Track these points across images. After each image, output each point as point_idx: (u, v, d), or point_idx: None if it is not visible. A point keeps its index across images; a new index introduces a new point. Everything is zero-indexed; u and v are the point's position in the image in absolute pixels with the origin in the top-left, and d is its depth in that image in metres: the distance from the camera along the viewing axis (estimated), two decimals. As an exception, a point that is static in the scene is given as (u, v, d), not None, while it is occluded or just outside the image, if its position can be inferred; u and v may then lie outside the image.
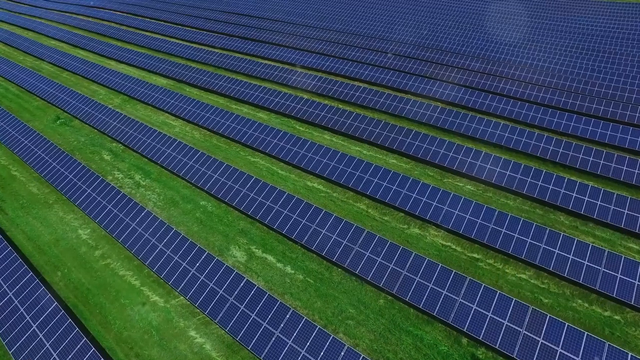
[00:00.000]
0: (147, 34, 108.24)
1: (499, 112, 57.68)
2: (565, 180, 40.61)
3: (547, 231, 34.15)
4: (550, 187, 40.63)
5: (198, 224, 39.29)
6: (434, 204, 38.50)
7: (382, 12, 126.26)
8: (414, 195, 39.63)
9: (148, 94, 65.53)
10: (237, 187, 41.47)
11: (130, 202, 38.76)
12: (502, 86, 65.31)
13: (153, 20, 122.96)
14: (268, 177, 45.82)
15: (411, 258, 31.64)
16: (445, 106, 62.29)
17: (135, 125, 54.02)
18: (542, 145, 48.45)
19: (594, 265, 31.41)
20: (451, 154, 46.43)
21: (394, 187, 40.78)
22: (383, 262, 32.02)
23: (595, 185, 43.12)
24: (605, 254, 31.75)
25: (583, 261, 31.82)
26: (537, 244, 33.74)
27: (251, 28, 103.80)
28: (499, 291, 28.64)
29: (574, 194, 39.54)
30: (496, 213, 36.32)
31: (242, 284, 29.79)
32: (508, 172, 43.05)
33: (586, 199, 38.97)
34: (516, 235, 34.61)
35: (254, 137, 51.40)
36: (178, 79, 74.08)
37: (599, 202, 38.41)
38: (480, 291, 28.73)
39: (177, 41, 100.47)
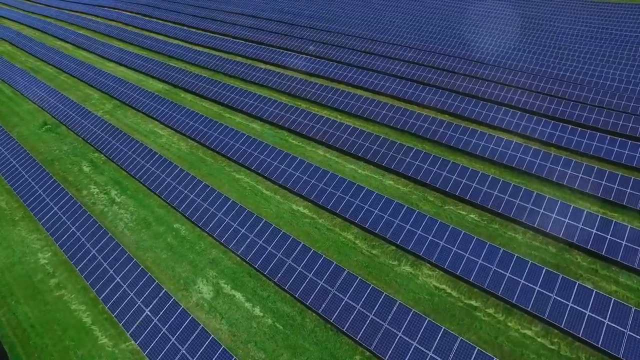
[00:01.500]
0: (151, 34, 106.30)
1: (512, 128, 52.28)
2: (585, 214, 35.34)
3: (560, 278, 29.15)
4: (567, 220, 35.43)
5: (167, 251, 35.76)
6: (430, 237, 33.88)
7: (402, 17, 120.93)
8: (408, 226, 35.08)
9: (140, 100, 62.72)
10: (212, 209, 37.78)
11: (94, 224, 35.53)
12: (517, 98, 59.70)
13: (159, 21, 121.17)
14: (250, 197, 42.00)
15: (395, 308, 27.21)
16: (453, 119, 57.19)
17: (118, 135, 51.09)
18: (569, 172, 43.07)
19: (616, 326, 26.32)
20: (454, 176, 41.58)
21: (386, 216, 36.31)
22: (362, 310, 27.69)
23: (621, 221, 37.63)
24: (632, 311, 26.59)
25: (603, 319, 26.75)
26: (547, 293, 28.80)
27: (256, 30, 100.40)
28: (495, 358, 23.94)
29: (594, 230, 34.25)
30: (500, 253, 31.47)
31: (196, 333, 25.99)
32: (517, 201, 37.98)
33: (609, 237, 33.64)
34: (522, 280, 29.74)
35: (242, 152, 47.67)
36: (174, 84, 71.15)
37: (624, 242, 33.05)
38: (474, 356, 24.10)
39: (179, 43, 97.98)
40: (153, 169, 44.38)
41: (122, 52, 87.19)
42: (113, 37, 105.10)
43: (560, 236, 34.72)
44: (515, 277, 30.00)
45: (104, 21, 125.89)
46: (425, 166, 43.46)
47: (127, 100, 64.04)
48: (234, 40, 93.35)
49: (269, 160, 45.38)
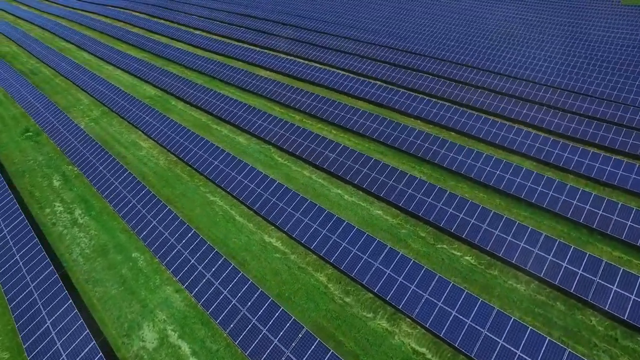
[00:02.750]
0: (154, 36, 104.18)
1: (525, 150, 46.44)
2: (603, 264, 29.66)
3: (567, 354, 23.80)
4: (580, 272, 29.82)
5: (119, 286, 32.05)
6: (412, 287, 28.95)
7: (428, 23, 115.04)
8: (389, 271, 30.23)
9: (128, 109, 59.75)
10: (172, 240, 33.87)
11: (40, 252, 32.16)
12: (532, 114, 53.61)
13: (166, 22, 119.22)
14: (221, 224, 37.93)
15: (357, 384, 22.52)
16: (457, 138, 51.66)
17: (93, 147, 48.02)
18: (587, 207, 37.23)
19: None
20: (451, 209, 36.37)
21: (365, 257, 31.56)
22: (319, 383, 23.12)
23: (646, 272, 31.66)
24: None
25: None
26: (549, 371, 23.50)
27: (261, 33, 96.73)
28: None
29: (611, 286, 28.54)
30: (494, 313, 26.30)
31: (117, 403, 22.00)
32: (522, 243, 32.50)
33: (633, 297, 27.93)
34: (518, 352, 24.52)
35: (219, 171, 43.72)
36: (166, 90, 68.06)
37: (648, 304, 27.24)
38: None
39: (181, 46, 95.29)
40: (121, 187, 40.93)
41: (121, 54, 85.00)
42: (117, 39, 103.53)
43: (572, 291, 29.18)
44: (510, 347, 24.81)
45: (111, 22, 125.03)
46: (419, 195, 38.38)
47: (115, 107, 61.22)
48: (237, 44, 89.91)
49: (246, 182, 41.24)
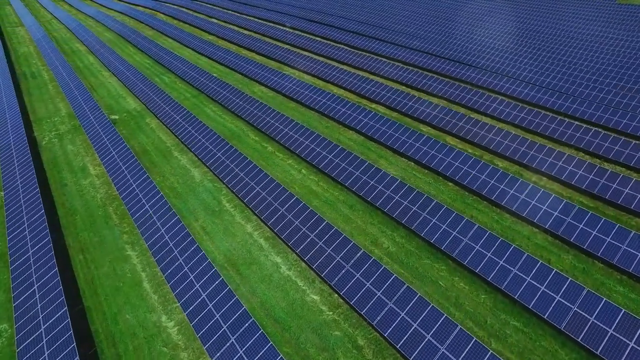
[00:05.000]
0: (161, 40, 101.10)
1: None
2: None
3: None
4: None
5: (-30, 368, 26.31)
6: None
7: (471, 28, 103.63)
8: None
9: (92, 127, 55.32)
10: (41, 316, 27.64)
11: None
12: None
13: (185, 26, 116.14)
14: (122, 292, 31.30)
15: None
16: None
17: (27, 173, 43.44)
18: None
19: None
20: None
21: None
22: None
23: None
24: None
25: None
26: None
27: (264, 43, 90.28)
28: None
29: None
30: None
31: None
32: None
33: None
34: None
35: (147, 217, 37.29)
36: (146, 104, 63.24)
37: None
38: None
39: (186, 53, 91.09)
40: (27, 231, 35.60)
41: (121, 60, 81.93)
42: (129, 42, 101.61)
43: None
44: None
45: (134, 24, 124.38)
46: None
47: (84, 123, 57.10)
48: (238, 52, 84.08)
49: (167, 237, 34.43)
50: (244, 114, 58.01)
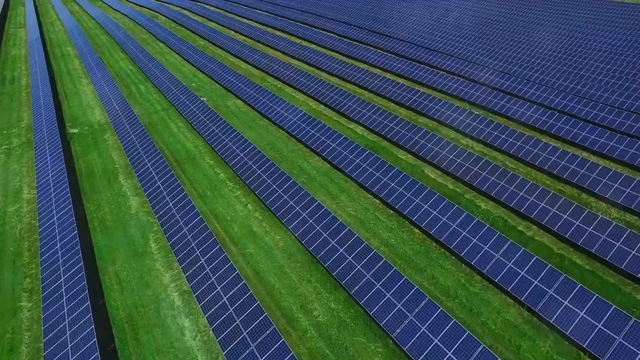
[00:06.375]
0: (152, 45, 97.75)
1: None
2: None
3: None
4: None
5: None
6: None
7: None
8: None
9: (42, 142, 51.59)
10: None
11: None
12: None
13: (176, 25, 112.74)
14: (-4, 356, 26.65)
15: None
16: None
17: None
18: None
19: None
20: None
21: None
22: None
23: None
24: None
25: None
26: None
27: (252, 51, 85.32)
28: None
29: None
30: None
31: None
32: None
33: None
34: None
35: (52, 252, 32.66)
36: (110, 119, 59.31)
37: None
38: None
39: (173, 58, 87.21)
40: None
41: (101, 67, 78.73)
42: (120, 46, 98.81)
43: None
44: None
45: (132, 26, 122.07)
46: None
47: (35, 138, 53.49)
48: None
49: (61, 290, 29.60)
50: (204, 133, 53.14)
